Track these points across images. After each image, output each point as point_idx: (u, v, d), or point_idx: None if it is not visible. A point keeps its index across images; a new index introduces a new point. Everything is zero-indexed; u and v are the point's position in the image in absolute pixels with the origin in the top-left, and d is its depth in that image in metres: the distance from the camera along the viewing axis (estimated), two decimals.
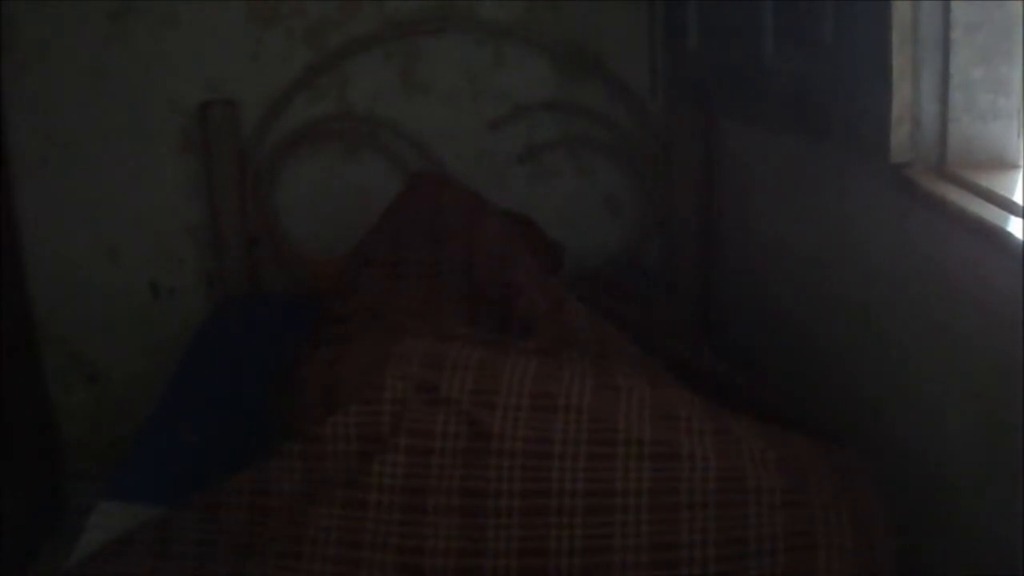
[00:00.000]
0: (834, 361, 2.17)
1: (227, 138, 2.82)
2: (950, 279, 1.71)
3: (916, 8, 1.73)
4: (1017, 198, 1.62)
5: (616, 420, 1.62)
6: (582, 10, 2.87)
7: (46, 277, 2.91)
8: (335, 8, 2.84)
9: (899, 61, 1.73)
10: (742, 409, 1.76)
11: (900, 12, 1.72)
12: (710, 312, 2.91)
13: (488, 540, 1.55)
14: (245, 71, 2.85)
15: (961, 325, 1.67)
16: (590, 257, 2.84)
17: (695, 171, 2.90)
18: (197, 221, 2.91)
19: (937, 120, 1.77)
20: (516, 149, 2.92)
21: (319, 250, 2.91)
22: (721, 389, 1.88)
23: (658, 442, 1.60)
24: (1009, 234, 1.54)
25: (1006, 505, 1.54)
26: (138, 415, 2.34)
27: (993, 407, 1.59)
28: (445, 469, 1.59)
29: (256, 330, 2.66)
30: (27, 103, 2.81)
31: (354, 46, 2.85)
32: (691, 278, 2.93)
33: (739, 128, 2.68)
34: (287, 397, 1.84)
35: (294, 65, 2.85)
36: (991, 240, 1.57)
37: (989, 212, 1.62)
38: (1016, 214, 1.59)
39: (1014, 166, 1.77)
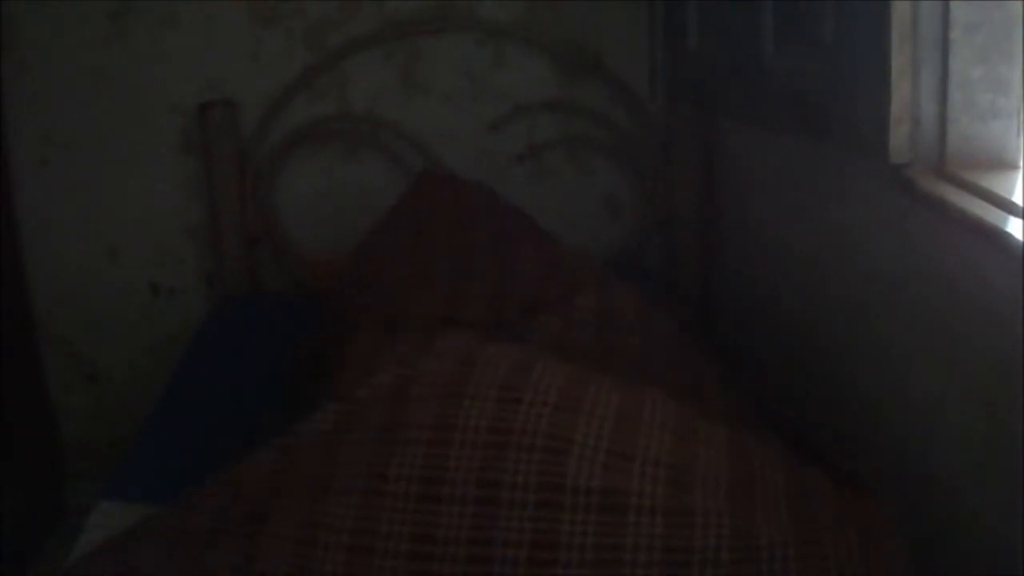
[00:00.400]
0: (834, 361, 2.17)
1: (227, 138, 2.82)
2: (950, 279, 1.71)
3: (916, 8, 1.73)
4: (1017, 198, 1.62)
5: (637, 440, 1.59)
6: (582, 10, 2.87)
7: (46, 277, 2.91)
8: (335, 8, 2.84)
9: (898, 61, 1.72)
10: (761, 433, 1.73)
11: (900, 12, 1.71)
12: (710, 312, 2.91)
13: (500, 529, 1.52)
14: (245, 71, 2.85)
15: (961, 325, 1.67)
16: None
17: (695, 171, 2.90)
18: (197, 221, 2.91)
19: (936, 120, 1.77)
20: (516, 149, 2.92)
21: (319, 250, 2.91)
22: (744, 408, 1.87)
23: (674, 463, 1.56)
24: (1009, 234, 1.54)
25: (1006, 505, 1.54)
26: (138, 415, 2.34)
27: (993, 407, 1.59)
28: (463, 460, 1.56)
29: (256, 330, 2.66)
30: (27, 103, 2.81)
31: (354, 46, 2.85)
32: (691, 278, 2.93)
33: (739, 128, 2.68)
34: (317, 375, 1.82)
35: (294, 65, 2.86)
36: (991, 240, 1.57)
37: (989, 212, 1.61)
38: (1016, 214, 1.58)
39: (1014, 166, 1.77)
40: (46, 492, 2.93)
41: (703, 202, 2.91)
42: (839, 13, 1.87)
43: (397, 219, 2.27)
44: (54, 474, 2.97)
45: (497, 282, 2.13)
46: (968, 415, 1.67)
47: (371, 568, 1.48)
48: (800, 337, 2.34)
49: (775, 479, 1.60)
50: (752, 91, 2.24)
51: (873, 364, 2.00)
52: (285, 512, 1.56)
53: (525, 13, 2.87)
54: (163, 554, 1.59)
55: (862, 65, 1.81)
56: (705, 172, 2.89)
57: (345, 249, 2.86)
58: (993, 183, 1.68)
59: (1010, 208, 1.61)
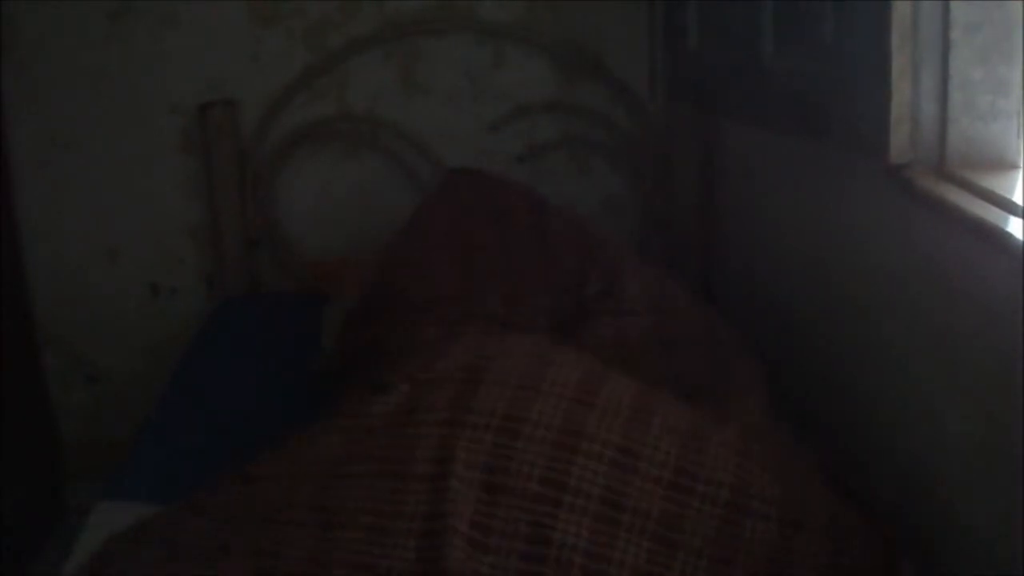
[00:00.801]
0: (834, 361, 2.17)
1: (227, 138, 2.82)
2: (950, 279, 1.71)
3: (916, 8, 1.73)
4: (1017, 198, 1.62)
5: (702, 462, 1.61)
6: (582, 10, 2.87)
7: (46, 277, 2.91)
8: (335, 8, 2.84)
9: (899, 61, 1.72)
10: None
11: (900, 12, 1.71)
12: None
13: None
14: (245, 71, 2.85)
15: (961, 325, 1.67)
16: None
17: (695, 171, 2.90)
18: (197, 221, 2.91)
19: (936, 120, 1.77)
20: (516, 149, 2.92)
21: (319, 250, 2.91)
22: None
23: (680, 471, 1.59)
24: (1009, 234, 1.54)
25: (1006, 505, 1.54)
26: (138, 415, 2.34)
27: (993, 407, 1.59)
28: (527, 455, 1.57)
29: (256, 330, 2.66)
30: (27, 103, 2.81)
31: (354, 46, 2.85)
32: (691, 278, 2.92)
33: (739, 128, 2.68)
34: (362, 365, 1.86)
35: (294, 65, 2.86)
36: (991, 240, 1.57)
37: (989, 212, 1.61)
38: (1016, 214, 1.58)
39: (1014, 166, 1.77)
40: (46, 492, 2.93)
41: (703, 202, 2.91)
42: (839, 13, 1.87)
43: (431, 215, 2.27)
44: (54, 474, 2.97)
45: (544, 276, 2.14)
46: (968, 416, 1.67)
47: (443, 550, 1.49)
48: (800, 337, 2.34)
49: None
50: (752, 91, 2.24)
51: (873, 364, 2.00)
52: (357, 488, 1.57)
53: (525, 13, 2.87)
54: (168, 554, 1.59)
55: (862, 65, 1.81)
56: (705, 172, 2.89)
57: (345, 249, 2.88)
58: (993, 183, 1.68)
59: (1010, 208, 1.61)
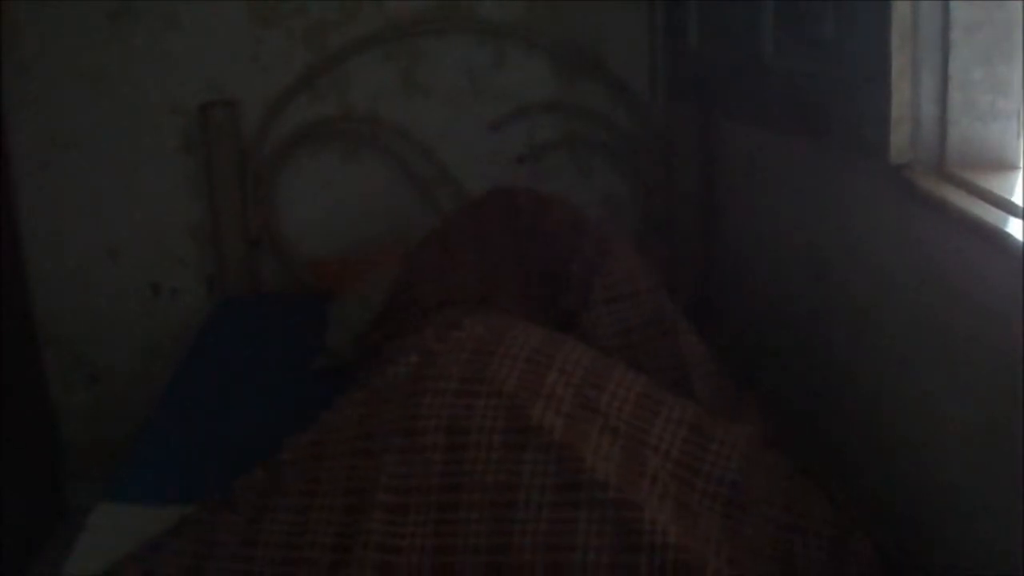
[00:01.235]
0: (834, 361, 2.17)
1: (227, 138, 2.82)
2: (950, 279, 1.71)
3: (916, 8, 1.72)
4: (1016, 199, 1.62)
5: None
6: (582, 10, 2.88)
7: (46, 277, 2.91)
8: (335, 8, 2.84)
9: (899, 61, 1.72)
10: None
11: (900, 12, 1.71)
12: (710, 312, 2.90)
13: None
14: (245, 72, 2.86)
15: (961, 325, 1.67)
16: None
17: (695, 171, 2.90)
18: (197, 221, 2.91)
19: (937, 121, 1.77)
20: (517, 149, 2.92)
21: (319, 250, 2.91)
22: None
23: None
24: (1008, 235, 1.53)
25: (1006, 506, 1.54)
26: (138, 415, 2.34)
27: (993, 407, 1.59)
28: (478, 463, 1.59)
29: (256, 330, 2.67)
30: (27, 103, 2.81)
31: (355, 46, 2.85)
32: (691, 278, 2.92)
33: (739, 128, 2.68)
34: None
35: (294, 65, 2.86)
36: (991, 240, 1.57)
37: (989, 213, 1.61)
38: (1015, 215, 1.58)
39: (1014, 167, 1.76)
40: (46, 492, 2.93)
41: (703, 202, 2.91)
42: (839, 13, 1.87)
43: (456, 222, 2.30)
44: (54, 474, 2.97)
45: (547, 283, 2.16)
46: (968, 415, 1.67)
47: (457, 524, 1.53)
48: (800, 337, 2.34)
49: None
50: (752, 91, 2.24)
51: (873, 364, 2.00)
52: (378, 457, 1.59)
53: (525, 13, 2.87)
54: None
55: (862, 65, 1.81)
56: (705, 172, 2.89)
57: (344, 249, 2.88)
58: (993, 183, 1.68)
59: (1010, 208, 1.61)
